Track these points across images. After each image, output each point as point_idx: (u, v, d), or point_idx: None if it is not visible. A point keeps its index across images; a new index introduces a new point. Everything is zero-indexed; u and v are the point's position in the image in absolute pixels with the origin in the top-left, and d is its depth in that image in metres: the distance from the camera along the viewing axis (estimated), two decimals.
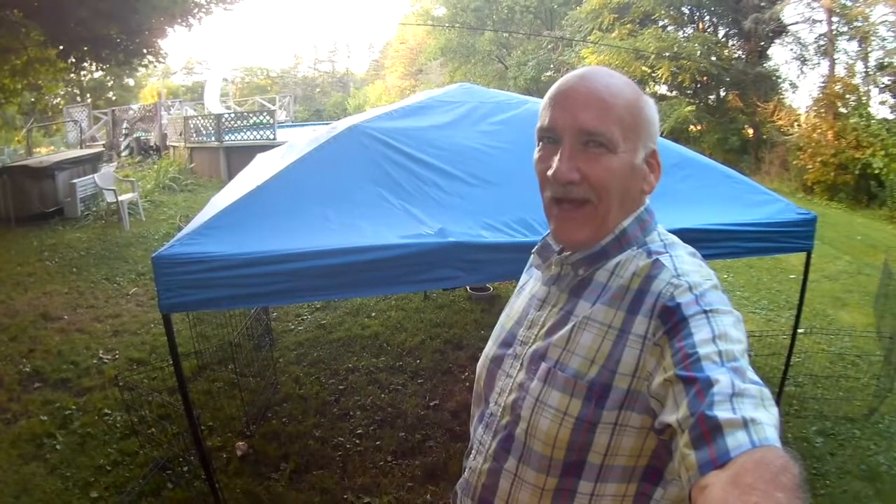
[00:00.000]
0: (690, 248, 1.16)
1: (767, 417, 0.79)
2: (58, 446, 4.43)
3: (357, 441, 4.36)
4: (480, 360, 1.36)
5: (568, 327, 1.14)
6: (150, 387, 5.04)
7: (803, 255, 3.99)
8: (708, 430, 0.79)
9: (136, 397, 4.69)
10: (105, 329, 6.53)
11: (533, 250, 1.31)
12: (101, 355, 5.89)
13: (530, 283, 1.33)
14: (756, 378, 0.86)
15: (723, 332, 0.93)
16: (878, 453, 4.18)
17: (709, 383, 0.84)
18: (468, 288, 6.82)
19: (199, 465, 3.58)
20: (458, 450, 4.16)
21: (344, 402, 4.90)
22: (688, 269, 1.07)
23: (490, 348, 1.33)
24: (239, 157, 15.09)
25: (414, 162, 3.62)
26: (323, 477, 3.95)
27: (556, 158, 1.10)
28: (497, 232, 3.16)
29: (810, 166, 14.31)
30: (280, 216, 3.21)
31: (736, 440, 0.75)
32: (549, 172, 1.11)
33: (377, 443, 4.32)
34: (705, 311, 0.97)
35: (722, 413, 0.79)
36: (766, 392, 0.84)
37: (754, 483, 0.68)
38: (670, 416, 0.88)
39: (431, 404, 4.80)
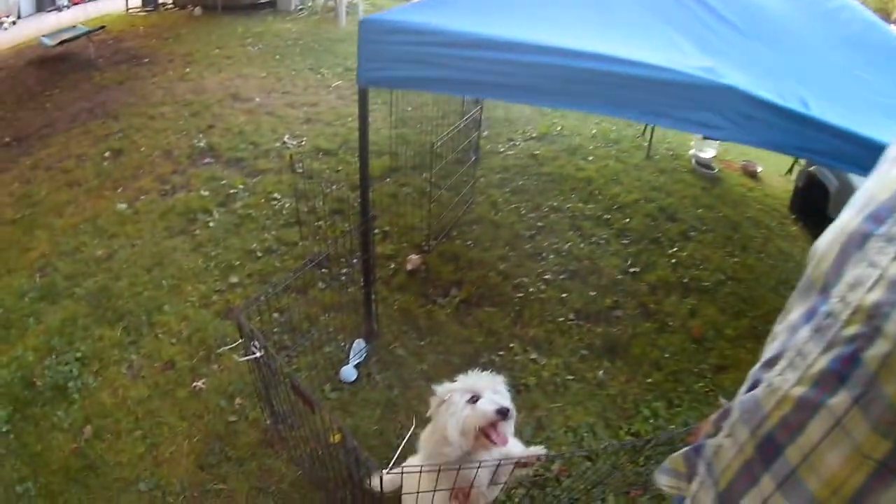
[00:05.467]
0: None
1: None
2: (211, 223, 4.32)
3: (542, 287, 3.93)
4: (828, 232, 0.91)
5: None
6: (332, 179, 4.81)
7: None
8: None
9: (313, 186, 4.47)
10: (298, 115, 6.37)
11: None
12: (285, 140, 5.74)
13: None
14: None
15: None
16: None
17: None
18: (694, 161, 6.09)
19: (359, 270, 3.27)
20: (646, 329, 3.66)
21: (539, 240, 4.45)
22: None
23: (850, 219, 0.88)
24: None
25: None
26: (493, 316, 3.59)
27: None
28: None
29: None
30: (523, 3, 2.76)
31: None
32: None
33: (562, 295, 3.87)
34: None
35: None
36: None
37: None
38: None
39: (631, 270, 4.22)
